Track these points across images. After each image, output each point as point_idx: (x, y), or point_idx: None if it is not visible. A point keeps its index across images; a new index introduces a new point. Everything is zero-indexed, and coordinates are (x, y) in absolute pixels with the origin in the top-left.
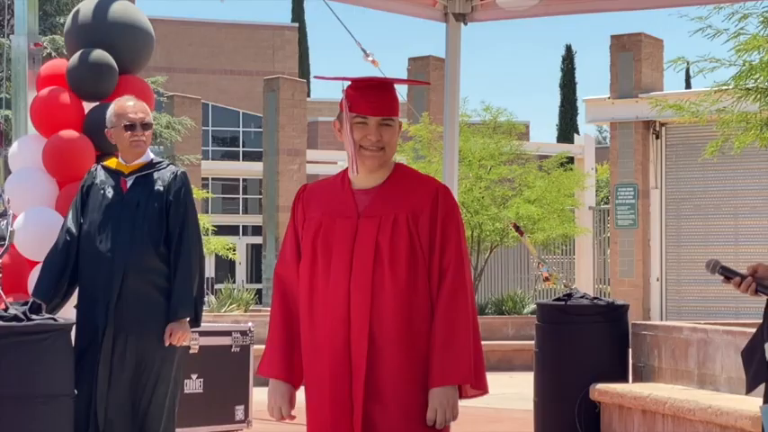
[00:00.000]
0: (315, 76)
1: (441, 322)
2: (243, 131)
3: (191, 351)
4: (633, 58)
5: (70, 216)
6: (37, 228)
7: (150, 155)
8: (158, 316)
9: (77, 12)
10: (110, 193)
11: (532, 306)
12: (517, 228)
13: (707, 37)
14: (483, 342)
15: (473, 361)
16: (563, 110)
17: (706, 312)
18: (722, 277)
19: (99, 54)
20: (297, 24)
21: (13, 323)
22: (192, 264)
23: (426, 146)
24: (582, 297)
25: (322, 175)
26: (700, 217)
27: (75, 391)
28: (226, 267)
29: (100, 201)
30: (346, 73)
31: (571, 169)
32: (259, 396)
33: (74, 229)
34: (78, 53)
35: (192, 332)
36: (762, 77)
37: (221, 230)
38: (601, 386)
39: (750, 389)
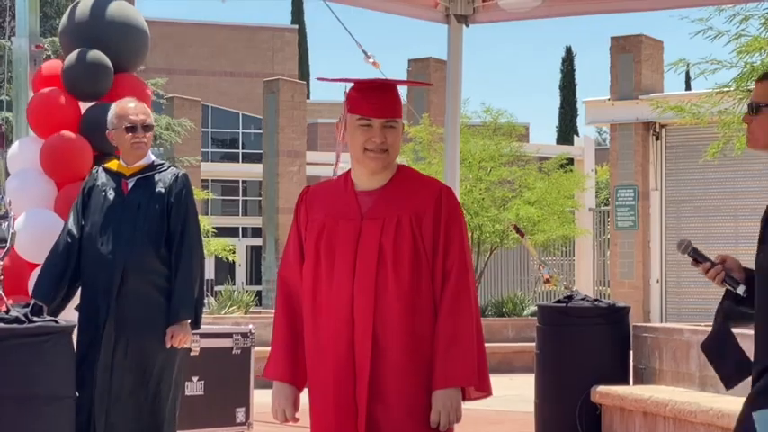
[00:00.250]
0: (317, 78)
1: (444, 324)
2: (242, 133)
3: (191, 353)
4: (633, 60)
5: (71, 218)
6: (36, 229)
7: (151, 157)
8: (159, 318)
9: (72, 11)
10: (111, 194)
11: (532, 308)
12: (518, 229)
13: (708, 39)
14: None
15: (477, 363)
16: (563, 111)
17: (706, 314)
18: (691, 259)
19: (93, 54)
20: (296, 26)
21: (15, 325)
22: (193, 266)
23: (426, 147)
24: (583, 299)
25: (322, 176)
26: (700, 218)
27: (77, 393)
28: (225, 269)
29: (101, 203)
30: (346, 75)
31: (571, 171)
32: (260, 398)
33: (75, 231)
34: (73, 53)
35: (193, 334)
36: None
37: (221, 232)
38: (602, 388)
39: (732, 384)
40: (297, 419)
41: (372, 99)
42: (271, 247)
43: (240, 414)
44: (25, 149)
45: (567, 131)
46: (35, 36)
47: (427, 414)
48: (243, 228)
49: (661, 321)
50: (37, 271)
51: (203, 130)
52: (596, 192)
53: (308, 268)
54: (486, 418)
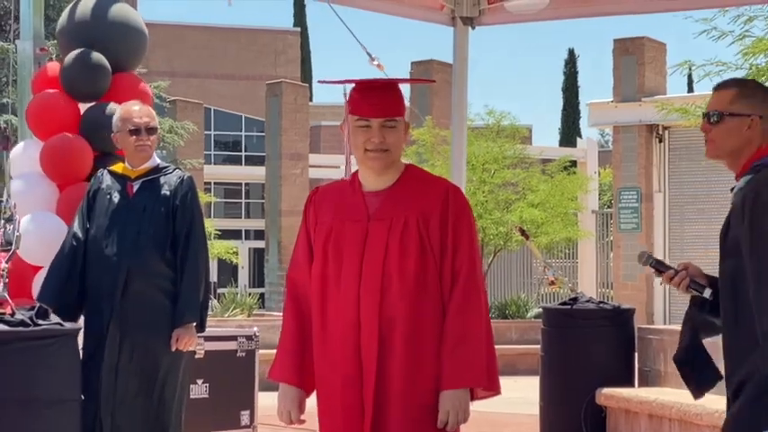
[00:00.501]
0: (319, 81)
1: (453, 324)
2: (245, 136)
3: (196, 356)
4: (636, 62)
5: (77, 221)
6: (38, 232)
7: (156, 159)
8: (164, 320)
9: (70, 11)
10: (116, 197)
11: (536, 310)
12: (523, 232)
13: (712, 39)
14: None
15: (486, 362)
16: (565, 114)
17: None
18: (654, 270)
19: (90, 54)
20: (299, 29)
21: (20, 328)
22: (198, 269)
23: (430, 150)
24: (587, 301)
25: (325, 179)
26: (703, 220)
27: (82, 396)
28: (228, 272)
29: (106, 205)
30: (349, 77)
31: (574, 173)
32: (265, 401)
33: (80, 234)
34: (70, 55)
35: (198, 337)
36: None
37: (223, 235)
38: (607, 390)
39: (701, 395)
40: (302, 422)
41: (370, 99)
42: (273, 250)
43: (245, 417)
44: (25, 152)
45: (569, 133)
46: (39, 39)
47: (434, 414)
48: (245, 230)
49: (664, 323)
50: (40, 274)
51: (206, 132)
52: (599, 194)
53: (317, 269)
54: (490, 420)
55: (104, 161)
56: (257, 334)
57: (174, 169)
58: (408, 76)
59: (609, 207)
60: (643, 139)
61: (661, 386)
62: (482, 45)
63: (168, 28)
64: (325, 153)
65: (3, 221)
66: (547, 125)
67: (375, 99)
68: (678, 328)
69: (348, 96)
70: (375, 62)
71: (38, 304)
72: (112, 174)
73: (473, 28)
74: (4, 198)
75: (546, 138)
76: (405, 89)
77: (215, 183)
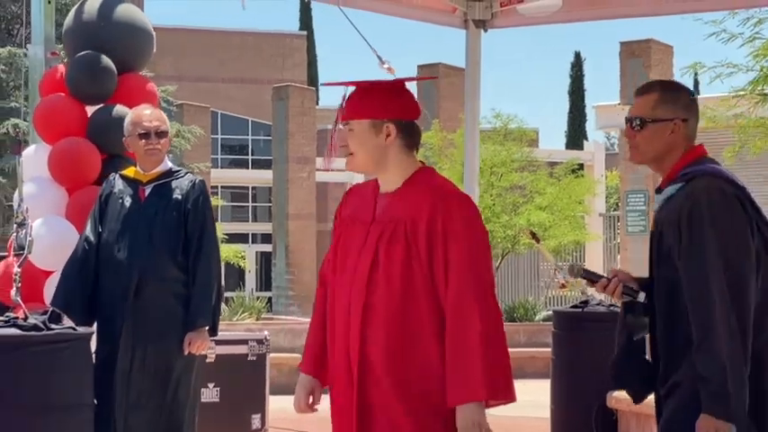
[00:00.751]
0: (322, 84)
1: (448, 340)
2: (252, 139)
3: (207, 360)
4: (643, 65)
5: (89, 225)
6: (48, 237)
7: (168, 163)
8: (177, 325)
9: (75, 12)
10: (128, 201)
11: (544, 313)
12: (534, 235)
13: (721, 41)
14: None
15: (485, 374)
16: (572, 116)
17: None
18: (585, 281)
19: (95, 56)
20: (305, 32)
21: (33, 332)
22: (211, 273)
23: (437, 153)
24: (598, 304)
25: (332, 182)
26: None
27: (95, 401)
28: (235, 275)
29: (118, 210)
30: (354, 80)
31: (581, 176)
32: (276, 404)
33: (92, 238)
34: (75, 58)
35: (210, 341)
36: None
37: (231, 238)
38: (618, 393)
39: (641, 399)
40: (314, 410)
41: (343, 103)
42: (281, 254)
43: (256, 420)
44: (36, 156)
45: (576, 136)
46: (50, 43)
47: (422, 404)
48: (252, 234)
49: None
50: (51, 278)
51: (213, 136)
52: (606, 197)
53: (329, 269)
54: (502, 425)
55: (112, 163)
56: (268, 338)
57: (186, 173)
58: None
59: (616, 210)
60: None
61: None
62: (487, 48)
63: (175, 32)
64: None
65: (15, 226)
66: (553, 128)
67: (345, 103)
68: None
69: None
70: (385, 65)
71: (50, 308)
72: (124, 178)
73: (485, 31)
74: (17, 202)
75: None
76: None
77: (222, 186)
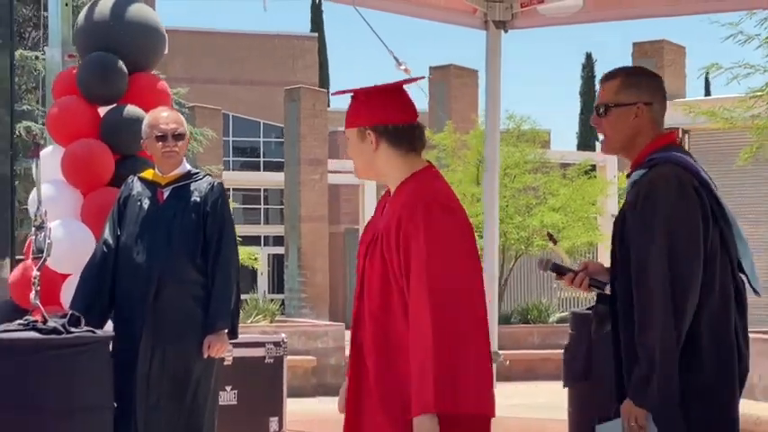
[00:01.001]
0: (332, 93)
1: (410, 353)
2: (263, 141)
3: (224, 363)
4: (656, 66)
5: (107, 228)
6: (65, 240)
7: (187, 166)
8: (195, 327)
9: (86, 12)
10: (146, 204)
11: (557, 315)
12: (551, 236)
13: (738, 43)
14: (508, 351)
15: (435, 386)
16: (583, 118)
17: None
18: (555, 274)
19: (104, 57)
20: (316, 34)
21: (52, 336)
22: (230, 275)
23: (450, 154)
24: None
25: (343, 185)
26: None
27: (115, 404)
28: (248, 278)
29: (136, 212)
30: (364, 83)
31: (594, 177)
32: (293, 407)
33: (111, 241)
34: (85, 59)
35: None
36: None
37: (243, 241)
38: None
39: (570, 384)
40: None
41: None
42: (293, 256)
43: (273, 423)
44: (51, 158)
45: (587, 137)
46: (68, 45)
47: (401, 416)
48: (264, 236)
49: None
50: (68, 281)
51: (224, 138)
52: (618, 197)
53: None
54: (521, 427)
55: (126, 164)
56: (285, 340)
57: (205, 175)
58: (427, 81)
59: None
60: None
61: None
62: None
63: (186, 34)
64: (344, 158)
65: (33, 229)
66: (564, 129)
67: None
68: None
69: None
70: (402, 67)
71: (69, 312)
72: (142, 180)
73: (506, 32)
74: (33, 205)
75: (563, 142)
76: (422, 94)
77: (234, 189)
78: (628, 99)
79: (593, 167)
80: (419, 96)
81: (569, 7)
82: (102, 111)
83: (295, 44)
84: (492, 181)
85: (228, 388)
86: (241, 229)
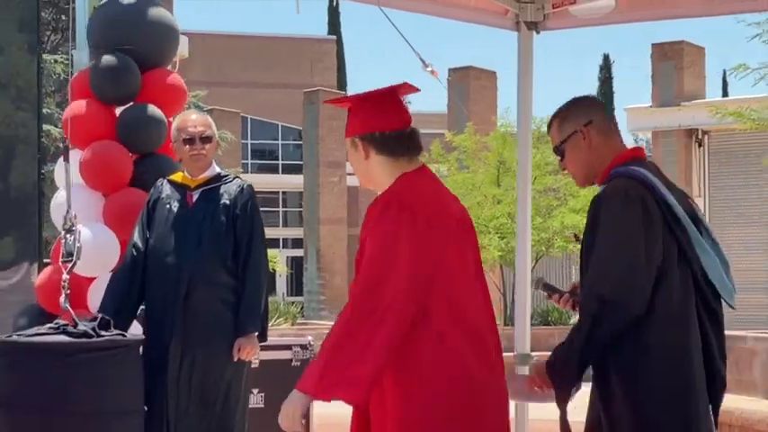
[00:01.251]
0: (324, 102)
1: None
2: (281, 144)
3: (252, 365)
4: (675, 67)
5: (137, 231)
6: (90, 243)
7: (216, 168)
8: (226, 330)
9: (97, 10)
10: (175, 207)
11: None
12: (577, 237)
13: (764, 42)
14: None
15: (321, 372)
16: None
17: (754, 321)
18: (546, 293)
19: (114, 57)
20: (334, 37)
21: (83, 339)
22: (260, 278)
23: (471, 156)
24: None
25: (363, 187)
26: (744, 224)
27: (146, 407)
28: (268, 281)
29: (166, 215)
30: (381, 85)
31: None
32: (320, 410)
33: (140, 244)
34: (95, 60)
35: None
36: None
37: None
38: None
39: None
40: None
41: None
42: (312, 258)
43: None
44: (72, 162)
45: None
46: None
47: None
48: (283, 239)
49: None
50: (93, 284)
51: (243, 141)
52: None
53: None
54: (533, 428)
55: (145, 162)
56: (312, 343)
57: (234, 178)
58: (446, 83)
59: None
60: (682, 143)
61: None
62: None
63: (205, 37)
64: None
65: (63, 233)
66: None
67: None
68: (737, 333)
69: None
70: (429, 68)
71: (99, 315)
72: (172, 183)
73: (537, 33)
74: (61, 209)
75: None
76: (441, 96)
77: None
78: (569, 130)
79: None
80: (439, 94)
81: (602, 8)
82: (119, 110)
83: (314, 47)
84: (525, 183)
85: (255, 391)
86: None
